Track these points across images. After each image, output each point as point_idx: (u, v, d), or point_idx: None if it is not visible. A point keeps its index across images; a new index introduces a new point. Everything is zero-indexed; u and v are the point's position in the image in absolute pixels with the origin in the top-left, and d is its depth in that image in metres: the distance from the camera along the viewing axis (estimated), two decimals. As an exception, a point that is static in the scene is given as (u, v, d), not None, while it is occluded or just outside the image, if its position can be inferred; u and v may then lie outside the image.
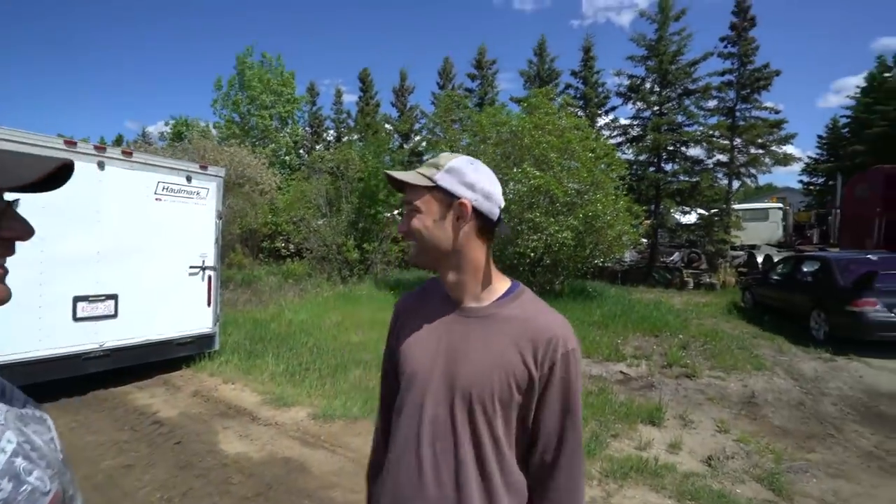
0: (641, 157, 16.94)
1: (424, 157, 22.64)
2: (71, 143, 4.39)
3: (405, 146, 23.32)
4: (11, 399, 0.65)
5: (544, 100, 11.65)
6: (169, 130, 26.26)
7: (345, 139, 24.17)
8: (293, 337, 6.80)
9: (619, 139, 18.09)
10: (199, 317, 5.37)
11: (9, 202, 0.64)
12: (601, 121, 19.40)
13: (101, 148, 4.57)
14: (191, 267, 5.24)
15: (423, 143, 22.77)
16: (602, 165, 10.80)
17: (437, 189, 0.92)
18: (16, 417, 0.62)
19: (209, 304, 5.45)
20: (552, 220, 9.33)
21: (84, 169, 4.30)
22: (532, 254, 9.49)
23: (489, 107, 15.99)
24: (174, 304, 5.09)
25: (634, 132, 17.74)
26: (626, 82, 17.28)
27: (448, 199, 0.92)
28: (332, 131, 27.17)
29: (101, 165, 4.46)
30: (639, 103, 17.07)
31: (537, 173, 9.26)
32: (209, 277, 5.41)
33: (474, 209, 0.92)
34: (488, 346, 0.91)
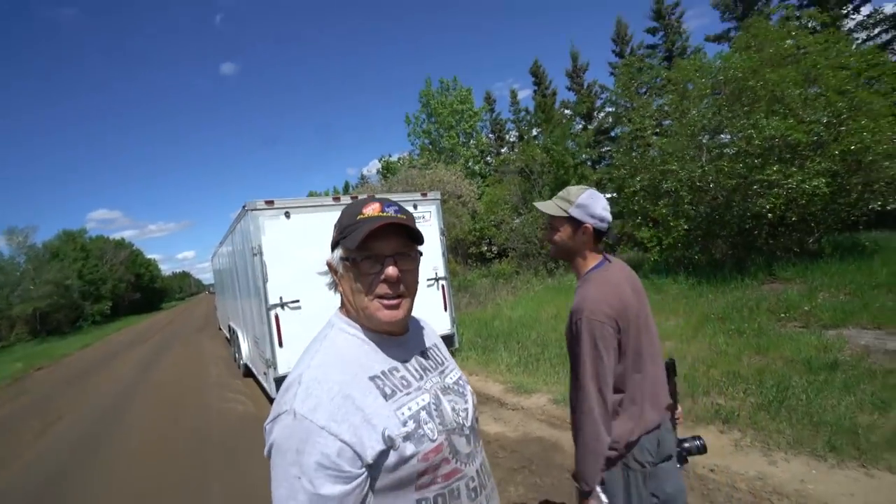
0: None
1: (613, 133, 21.23)
2: (336, 198, 5.81)
3: (588, 127, 22.28)
4: (446, 375, 0.94)
5: (764, 23, 9.68)
6: (380, 167, 31.13)
7: (526, 137, 24.55)
8: (517, 332, 7.33)
9: (888, 35, 13.60)
10: (440, 320, 6.34)
11: (389, 255, 0.82)
12: (849, 23, 14.90)
13: (337, 198, 5.87)
14: (428, 279, 6.25)
15: (610, 119, 21.37)
16: (863, 81, 8.24)
17: (570, 218, 1.45)
18: (440, 388, 0.88)
19: (445, 309, 6.39)
20: (794, 169, 7.64)
21: None
22: (769, 215, 7.92)
23: (680, 59, 14.04)
24: (423, 311, 6.09)
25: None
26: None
27: (577, 224, 1.44)
28: (513, 132, 27.84)
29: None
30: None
31: (774, 122, 7.61)
32: (442, 286, 6.35)
33: (593, 229, 1.44)
34: None
